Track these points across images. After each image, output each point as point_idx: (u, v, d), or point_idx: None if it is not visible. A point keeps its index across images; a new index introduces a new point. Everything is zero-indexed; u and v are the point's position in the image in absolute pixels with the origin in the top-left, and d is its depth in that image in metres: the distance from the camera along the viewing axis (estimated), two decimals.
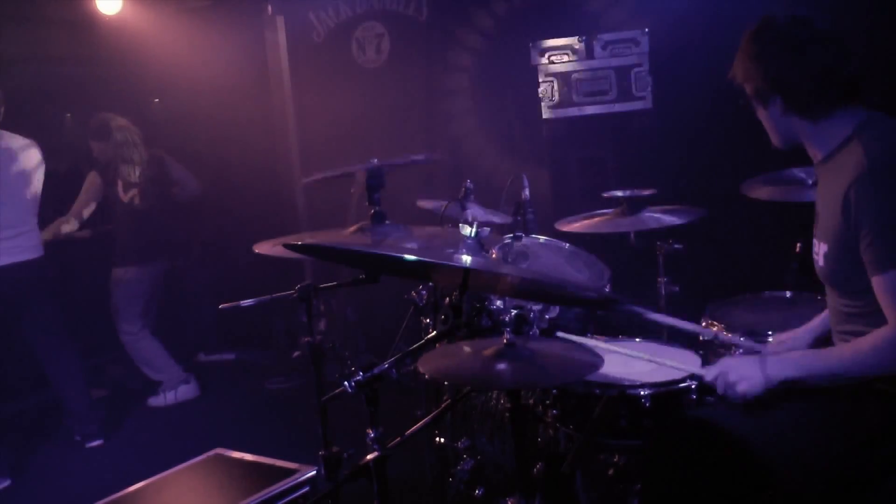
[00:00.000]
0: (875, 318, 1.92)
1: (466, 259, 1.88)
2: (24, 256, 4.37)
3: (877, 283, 1.89)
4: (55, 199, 4.98)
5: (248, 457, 3.07)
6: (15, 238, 4.33)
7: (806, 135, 2.10)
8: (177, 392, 5.29)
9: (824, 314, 2.36)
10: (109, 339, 5.40)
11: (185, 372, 5.37)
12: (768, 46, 2.05)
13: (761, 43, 2.06)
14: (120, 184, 4.99)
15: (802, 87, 2.01)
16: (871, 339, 1.90)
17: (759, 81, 2.07)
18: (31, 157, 4.46)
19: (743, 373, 2.03)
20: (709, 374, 2.13)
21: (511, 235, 3.05)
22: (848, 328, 2.06)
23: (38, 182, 4.49)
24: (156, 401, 5.29)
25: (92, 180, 4.98)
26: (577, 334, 2.83)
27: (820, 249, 2.08)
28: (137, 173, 5.03)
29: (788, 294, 3.16)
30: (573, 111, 4.69)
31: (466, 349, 2.11)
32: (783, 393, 2.09)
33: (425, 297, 3.13)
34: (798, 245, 3.27)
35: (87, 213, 4.98)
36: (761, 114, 2.15)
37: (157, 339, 5.29)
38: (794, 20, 2.03)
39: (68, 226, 4.94)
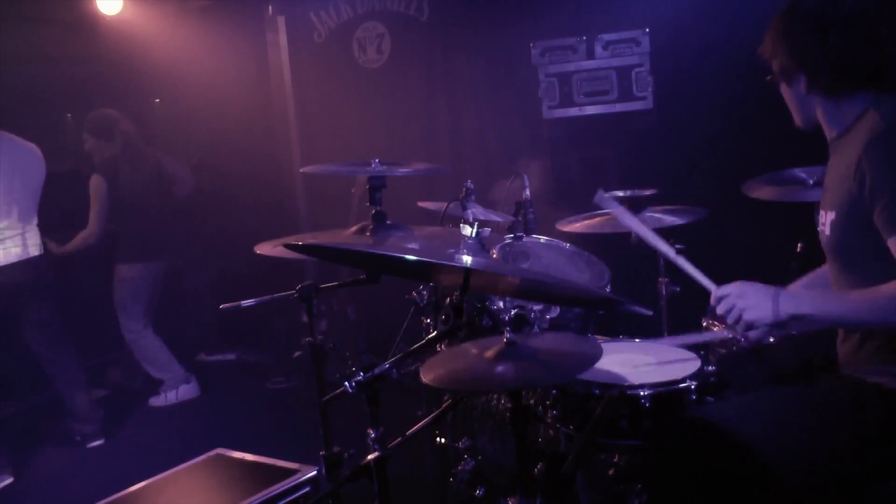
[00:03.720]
0: None
1: (467, 259, 1.87)
2: (25, 255, 4.40)
3: (893, 243, 1.85)
4: (55, 199, 4.98)
5: (249, 457, 3.07)
6: (17, 237, 4.37)
7: (824, 112, 2.10)
8: (178, 392, 5.29)
9: (814, 273, 2.34)
10: (110, 339, 5.41)
11: (187, 372, 5.37)
12: (796, 25, 2.05)
13: (790, 21, 2.06)
14: (120, 183, 4.99)
15: (826, 69, 2.01)
16: (891, 287, 1.84)
17: (785, 59, 2.07)
18: (32, 159, 4.50)
19: (755, 301, 1.97)
20: (720, 290, 2.07)
21: (512, 235, 3.04)
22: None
23: (39, 183, 4.53)
24: (156, 400, 5.29)
25: (98, 186, 4.94)
26: (577, 334, 2.85)
27: (826, 219, 2.07)
28: (138, 173, 5.03)
29: None
30: (574, 111, 4.70)
31: (467, 352, 2.11)
32: (784, 388, 2.09)
33: (426, 297, 3.13)
34: (799, 245, 3.27)
35: (105, 220, 4.97)
36: (785, 91, 2.15)
37: (160, 337, 5.30)
38: (824, 0, 2.02)
39: (92, 237, 4.95)
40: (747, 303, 1.98)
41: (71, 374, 4.70)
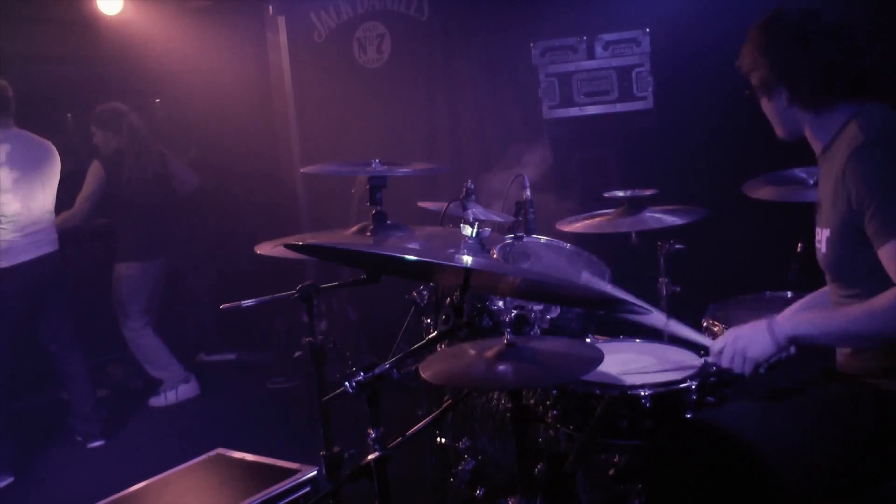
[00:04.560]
0: None
1: (467, 259, 1.87)
2: (44, 250, 4.47)
3: (884, 252, 1.85)
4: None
5: (250, 457, 3.07)
6: (38, 233, 4.44)
7: (809, 126, 2.10)
8: (177, 391, 5.29)
9: (810, 296, 2.34)
10: (110, 339, 5.40)
11: (186, 371, 5.37)
12: (776, 37, 2.04)
13: (770, 34, 2.06)
14: (124, 178, 4.98)
15: (808, 81, 2.01)
16: (885, 298, 1.84)
17: (766, 72, 2.07)
18: (51, 155, 4.57)
19: (750, 338, 1.99)
20: (715, 345, 2.08)
21: (512, 235, 3.05)
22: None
23: (56, 179, 4.59)
24: (156, 401, 5.29)
25: (95, 171, 4.96)
26: (577, 335, 2.86)
27: (822, 236, 2.07)
28: (143, 169, 5.02)
29: (790, 294, 3.16)
30: (574, 111, 4.70)
31: (467, 352, 2.11)
32: (784, 391, 2.09)
33: (426, 297, 3.13)
34: (799, 245, 3.27)
35: (92, 205, 4.98)
36: (765, 105, 2.15)
37: (160, 337, 5.30)
38: (803, 13, 2.02)
39: (73, 219, 4.95)
40: (744, 343, 2.00)
41: (80, 372, 4.73)
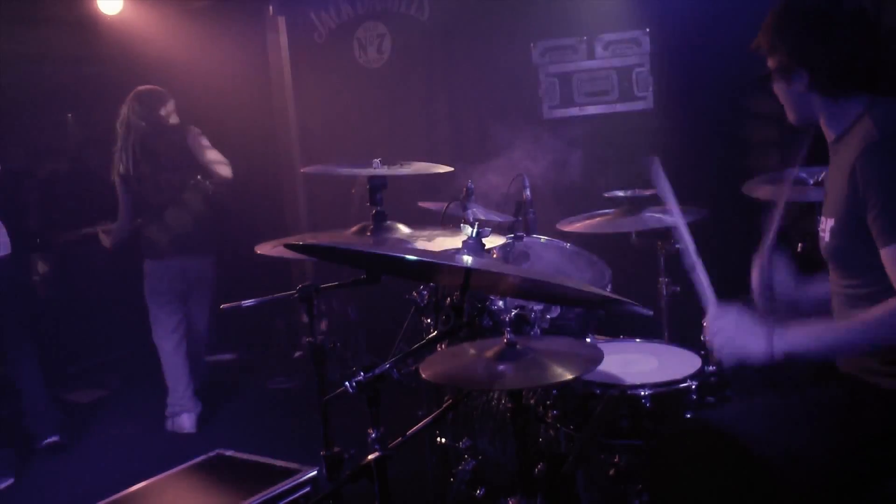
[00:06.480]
0: (879, 298, 1.89)
1: (467, 259, 1.88)
2: None
3: (885, 254, 1.86)
4: (57, 199, 4.97)
5: (250, 457, 3.07)
6: None
7: (824, 113, 2.09)
8: (173, 421, 4.81)
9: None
10: (109, 339, 5.39)
11: (192, 402, 4.85)
12: (797, 22, 2.03)
13: (791, 17, 2.05)
14: (132, 174, 4.62)
15: (828, 67, 2.00)
16: (880, 310, 1.85)
17: (785, 57, 2.06)
18: None
19: (749, 338, 1.98)
20: (717, 312, 2.08)
21: (512, 235, 3.05)
22: (852, 316, 2.04)
23: None
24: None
25: (114, 175, 4.69)
26: (577, 335, 2.86)
27: (826, 225, 2.07)
28: (155, 157, 4.64)
29: None
30: (574, 111, 4.71)
31: (467, 352, 2.11)
32: (784, 390, 2.09)
33: (426, 297, 3.13)
34: (800, 245, 3.27)
35: (129, 209, 4.70)
36: (781, 88, 2.13)
37: (186, 356, 4.83)
38: None
39: (120, 230, 4.75)
40: (735, 333, 2.00)
41: (30, 374, 4.56)
